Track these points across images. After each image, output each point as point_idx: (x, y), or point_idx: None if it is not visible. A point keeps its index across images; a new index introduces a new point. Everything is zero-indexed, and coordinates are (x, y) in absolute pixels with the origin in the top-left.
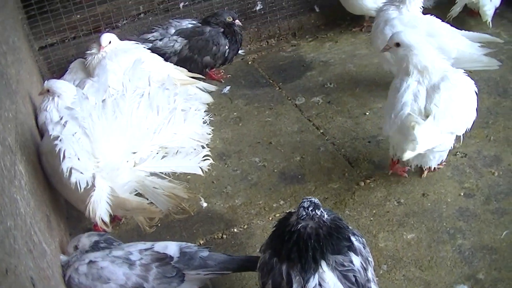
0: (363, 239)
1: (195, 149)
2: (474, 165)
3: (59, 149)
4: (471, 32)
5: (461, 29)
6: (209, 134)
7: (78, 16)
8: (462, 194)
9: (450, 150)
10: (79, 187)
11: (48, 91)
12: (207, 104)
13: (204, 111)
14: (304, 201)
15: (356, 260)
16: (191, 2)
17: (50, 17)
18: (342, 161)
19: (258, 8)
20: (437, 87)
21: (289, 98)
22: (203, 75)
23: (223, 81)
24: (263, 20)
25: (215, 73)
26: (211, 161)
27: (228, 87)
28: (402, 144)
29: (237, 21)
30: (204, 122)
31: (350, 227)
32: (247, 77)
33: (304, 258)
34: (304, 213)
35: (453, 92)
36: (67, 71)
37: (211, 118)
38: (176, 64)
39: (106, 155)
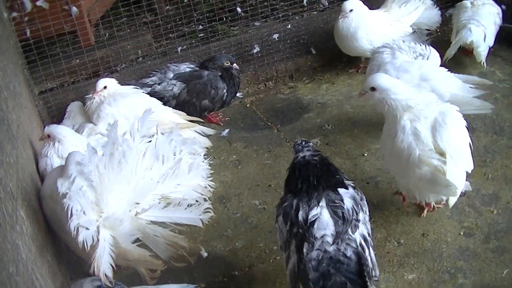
0: (361, 192)
1: (197, 201)
2: (473, 203)
3: (67, 206)
4: (462, 75)
5: (456, 69)
6: (212, 187)
7: (78, 60)
8: (461, 233)
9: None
10: (86, 245)
11: (48, 136)
12: (206, 147)
13: (204, 155)
14: (297, 141)
15: (348, 202)
16: (188, 46)
17: (50, 62)
18: None
19: (255, 51)
20: (442, 123)
21: (287, 141)
22: (201, 119)
23: (221, 124)
24: (261, 63)
25: (214, 117)
26: (212, 214)
27: (226, 130)
28: (436, 191)
29: (234, 64)
30: (208, 176)
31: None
32: (245, 120)
33: (308, 191)
34: (299, 147)
35: (460, 128)
36: (65, 115)
37: (211, 162)
38: (175, 108)
39: (110, 205)
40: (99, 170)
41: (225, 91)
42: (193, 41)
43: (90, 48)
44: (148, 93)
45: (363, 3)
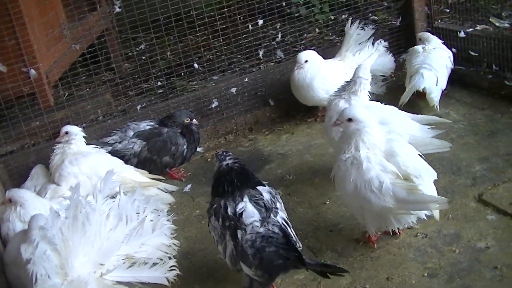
0: (272, 188)
1: (162, 260)
2: (435, 244)
3: (31, 272)
4: (420, 115)
5: (412, 111)
6: (177, 246)
7: (38, 122)
8: (425, 274)
9: (410, 232)
10: None
11: (10, 201)
12: (169, 204)
13: (167, 212)
14: (218, 152)
15: (266, 195)
16: (148, 103)
17: (9, 125)
18: (306, 251)
19: (214, 105)
20: (392, 153)
21: None
22: (163, 175)
23: (183, 180)
24: (220, 117)
25: (175, 172)
26: (177, 272)
27: (189, 186)
28: (420, 209)
29: (194, 120)
30: (172, 234)
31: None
32: (207, 175)
33: (233, 192)
34: (222, 157)
35: (406, 148)
36: (28, 178)
37: (174, 218)
38: (136, 165)
39: (75, 268)
40: (63, 233)
41: (185, 147)
42: (152, 98)
43: (50, 109)
44: (109, 152)
45: (318, 53)
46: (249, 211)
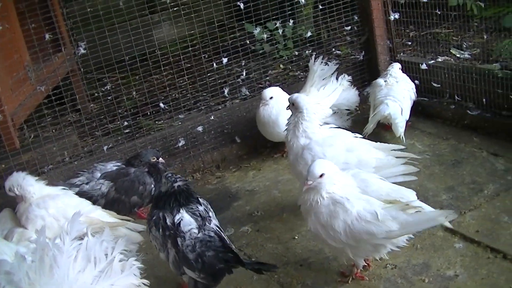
0: (205, 200)
1: None
2: (405, 275)
3: None
4: (384, 144)
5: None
6: (147, 285)
7: (3, 165)
8: None
9: (380, 263)
10: None
11: None
12: (138, 243)
13: (136, 252)
14: (167, 174)
15: (200, 207)
16: (114, 144)
17: None
18: (276, 287)
19: (180, 144)
20: (365, 185)
21: None
22: (132, 215)
23: None
24: (187, 156)
25: (144, 212)
26: None
27: None
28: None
29: (160, 159)
30: (141, 273)
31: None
32: None
33: (171, 205)
34: (173, 179)
35: (374, 177)
36: None
37: (143, 257)
38: (104, 206)
39: None
40: (29, 277)
41: (152, 186)
42: (119, 138)
43: (16, 152)
44: (76, 193)
45: (282, 89)
46: (186, 220)
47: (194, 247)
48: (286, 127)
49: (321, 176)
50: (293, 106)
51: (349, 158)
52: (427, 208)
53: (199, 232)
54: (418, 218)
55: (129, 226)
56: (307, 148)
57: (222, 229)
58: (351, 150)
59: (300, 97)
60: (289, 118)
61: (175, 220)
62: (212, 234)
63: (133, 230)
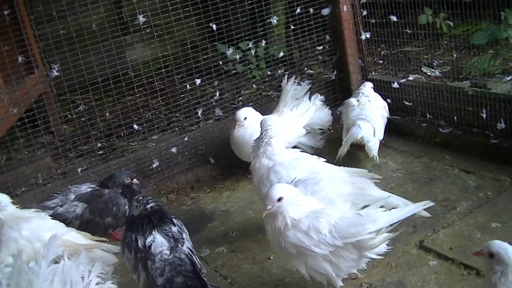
0: (179, 221)
1: None
2: None
3: None
4: (347, 168)
5: (351, 164)
6: None
7: None
8: None
9: (355, 282)
10: None
11: None
12: (113, 265)
13: (111, 273)
14: (139, 197)
15: (174, 228)
16: (88, 166)
17: None
18: None
19: (155, 165)
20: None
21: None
22: (106, 237)
23: None
24: (161, 177)
25: (118, 234)
26: None
27: None
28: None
29: (134, 180)
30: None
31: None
32: None
33: (144, 227)
34: (145, 201)
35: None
36: None
37: (119, 280)
38: (78, 228)
39: None
40: None
41: (127, 207)
42: (93, 160)
43: None
44: (50, 216)
45: (255, 109)
46: (158, 241)
47: (164, 271)
48: (251, 149)
49: (279, 200)
50: (261, 126)
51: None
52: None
53: (170, 254)
54: (399, 215)
55: (104, 248)
56: (272, 170)
57: (194, 251)
58: (315, 173)
59: (265, 118)
60: (255, 139)
61: (146, 243)
62: (183, 257)
63: (108, 252)
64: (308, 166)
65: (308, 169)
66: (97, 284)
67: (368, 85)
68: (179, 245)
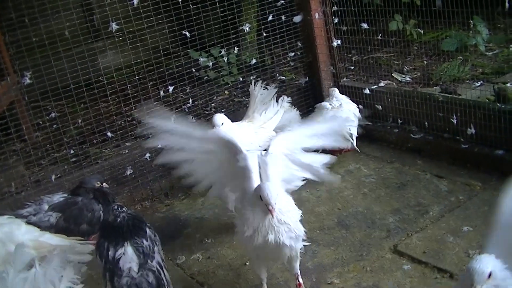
0: (154, 231)
1: None
2: None
3: None
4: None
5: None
6: None
7: None
8: None
9: (331, 287)
10: None
11: None
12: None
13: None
14: (114, 206)
15: (145, 242)
16: (62, 173)
17: None
18: None
19: (128, 172)
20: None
21: (170, 258)
22: None
23: None
24: (135, 184)
25: (94, 240)
26: None
27: None
28: None
29: (104, 184)
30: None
31: (145, 221)
32: None
33: (116, 238)
34: (113, 212)
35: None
36: None
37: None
38: None
39: None
40: None
41: (101, 212)
42: (66, 168)
43: None
44: None
45: (227, 116)
46: (128, 256)
47: None
48: None
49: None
50: None
51: None
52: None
53: (138, 272)
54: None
55: (78, 248)
56: None
57: (164, 264)
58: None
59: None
60: None
61: (116, 255)
62: (151, 278)
63: (82, 251)
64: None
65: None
66: None
67: (337, 90)
68: (148, 261)
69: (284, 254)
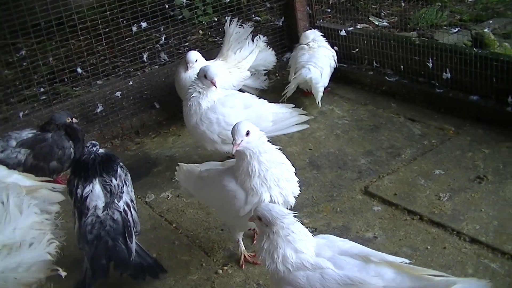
0: (126, 170)
1: (36, 238)
2: None
3: None
4: (280, 104)
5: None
6: (48, 220)
7: None
8: None
9: None
10: None
11: None
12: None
13: (55, 213)
14: (88, 143)
15: (114, 181)
16: (31, 110)
17: None
18: (198, 252)
19: (99, 110)
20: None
21: (139, 196)
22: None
23: None
24: (105, 122)
25: (62, 179)
26: (57, 243)
27: None
28: None
29: (74, 119)
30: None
31: (119, 160)
32: None
33: (86, 174)
34: (87, 150)
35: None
36: None
37: (62, 221)
38: None
39: None
40: None
41: (71, 149)
42: (35, 105)
43: None
44: None
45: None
46: (95, 193)
47: (93, 227)
48: (189, 91)
49: (247, 134)
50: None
51: (249, 115)
52: None
53: (103, 211)
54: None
55: (49, 187)
56: (210, 108)
57: (133, 204)
58: (248, 107)
59: (207, 66)
60: (193, 81)
61: (84, 193)
62: (117, 216)
63: (52, 190)
64: (242, 101)
65: (242, 104)
66: (16, 205)
67: (317, 32)
68: (115, 200)
69: None
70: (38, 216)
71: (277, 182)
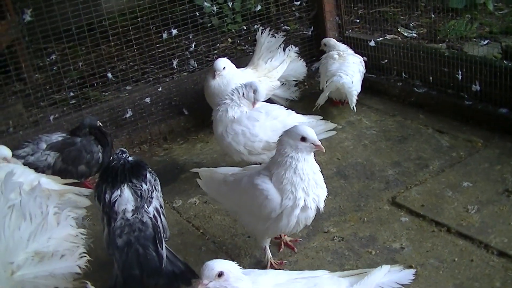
0: (155, 176)
1: (69, 250)
2: (352, 247)
3: None
4: (307, 116)
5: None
6: (84, 234)
7: None
8: None
9: (327, 236)
10: None
11: None
12: (85, 208)
13: (82, 216)
14: (117, 150)
15: (145, 186)
16: (61, 114)
17: None
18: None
19: (128, 115)
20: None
21: (166, 202)
22: (79, 186)
23: None
24: (134, 127)
25: (91, 183)
26: (88, 257)
27: None
28: None
29: (98, 122)
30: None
31: (148, 166)
32: None
33: (114, 180)
34: (116, 156)
35: None
36: None
37: (89, 222)
38: None
39: None
40: None
41: (100, 154)
42: (65, 109)
43: None
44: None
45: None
46: (124, 198)
47: (123, 232)
48: (223, 98)
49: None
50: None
51: (275, 126)
52: None
53: (133, 214)
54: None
55: (75, 191)
56: (235, 121)
57: (162, 210)
58: (275, 118)
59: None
60: (231, 90)
61: (112, 198)
62: (146, 220)
63: (79, 195)
64: (268, 112)
65: (270, 117)
66: (55, 214)
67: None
68: (145, 205)
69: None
70: (73, 229)
71: (313, 187)
